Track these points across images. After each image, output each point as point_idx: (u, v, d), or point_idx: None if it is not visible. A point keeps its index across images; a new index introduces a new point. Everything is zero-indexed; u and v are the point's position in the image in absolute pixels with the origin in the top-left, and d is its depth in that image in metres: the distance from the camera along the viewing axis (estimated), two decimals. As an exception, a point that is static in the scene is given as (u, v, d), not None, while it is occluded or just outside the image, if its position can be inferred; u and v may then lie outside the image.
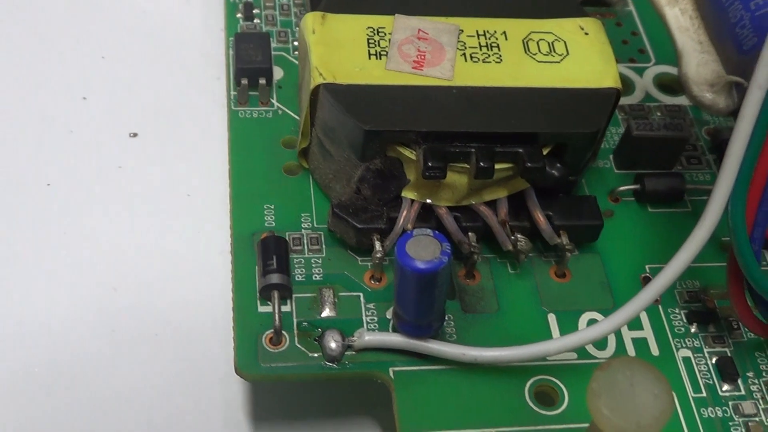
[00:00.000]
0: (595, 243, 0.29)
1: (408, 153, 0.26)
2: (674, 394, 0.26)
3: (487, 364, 0.26)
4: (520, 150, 0.26)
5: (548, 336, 0.27)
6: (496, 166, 0.26)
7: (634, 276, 0.28)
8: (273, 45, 0.32)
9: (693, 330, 0.27)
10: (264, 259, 0.26)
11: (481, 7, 0.29)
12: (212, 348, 0.28)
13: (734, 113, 0.27)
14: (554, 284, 0.28)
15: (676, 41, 0.35)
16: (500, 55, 0.28)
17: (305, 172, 0.29)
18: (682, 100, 0.33)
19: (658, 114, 0.32)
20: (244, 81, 0.30)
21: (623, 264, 0.29)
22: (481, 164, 0.26)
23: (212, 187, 0.31)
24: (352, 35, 0.28)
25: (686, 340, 0.27)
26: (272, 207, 0.28)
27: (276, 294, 0.26)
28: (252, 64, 0.31)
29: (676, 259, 0.25)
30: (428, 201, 0.27)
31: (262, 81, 0.31)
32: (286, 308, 0.26)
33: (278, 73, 0.32)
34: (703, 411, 0.26)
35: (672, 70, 0.34)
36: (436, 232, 0.24)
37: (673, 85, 0.33)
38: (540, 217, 0.27)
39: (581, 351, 0.27)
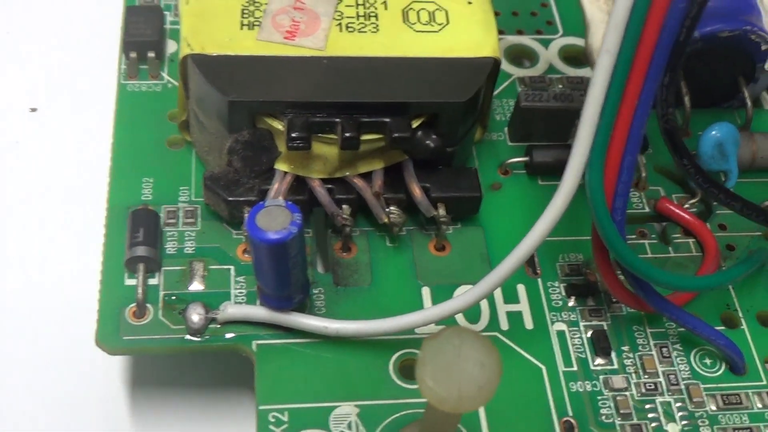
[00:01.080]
0: (479, 216, 0.28)
1: (277, 124, 0.26)
2: (543, 367, 0.26)
3: (349, 337, 0.25)
4: (388, 120, 0.26)
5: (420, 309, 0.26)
6: (366, 137, 0.26)
7: (517, 249, 0.28)
8: (170, 19, 0.32)
9: (571, 303, 0.27)
10: (132, 232, 0.26)
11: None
12: (90, 321, 0.28)
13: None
14: (432, 257, 0.27)
15: (585, 12, 0.34)
16: (377, 25, 0.27)
17: (188, 146, 0.29)
18: (586, 72, 0.32)
19: (560, 86, 0.32)
20: (133, 54, 0.30)
21: (507, 237, 0.28)
22: (347, 135, 0.25)
23: (107, 162, 0.31)
24: (226, 5, 0.27)
25: (563, 314, 0.27)
26: (151, 180, 0.28)
27: (142, 266, 0.26)
28: (141, 37, 0.30)
29: (535, 228, 0.24)
30: (300, 173, 0.27)
31: (152, 54, 0.30)
32: (153, 281, 0.26)
33: (173, 46, 0.31)
34: (572, 385, 0.25)
35: (579, 41, 0.33)
36: (289, 202, 0.23)
37: (579, 56, 0.33)
38: (416, 189, 0.27)
39: (453, 324, 0.26)
